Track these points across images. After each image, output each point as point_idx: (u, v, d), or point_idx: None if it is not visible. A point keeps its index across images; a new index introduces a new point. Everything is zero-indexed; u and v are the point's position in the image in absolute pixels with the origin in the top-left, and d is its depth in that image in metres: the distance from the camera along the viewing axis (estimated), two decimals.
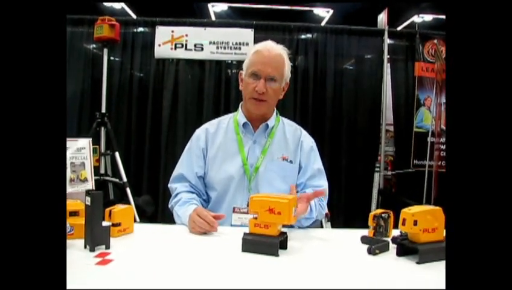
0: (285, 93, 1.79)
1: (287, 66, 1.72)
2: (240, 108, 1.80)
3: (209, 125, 1.82)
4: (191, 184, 1.73)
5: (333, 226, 1.85)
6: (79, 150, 1.67)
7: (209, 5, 6.98)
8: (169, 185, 1.79)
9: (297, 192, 1.73)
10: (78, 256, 1.11)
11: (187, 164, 1.76)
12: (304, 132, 1.85)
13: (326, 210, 1.77)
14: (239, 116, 1.77)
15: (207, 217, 1.43)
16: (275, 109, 1.80)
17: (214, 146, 1.74)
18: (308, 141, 1.82)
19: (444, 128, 3.83)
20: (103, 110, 3.45)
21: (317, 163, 1.79)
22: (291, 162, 1.73)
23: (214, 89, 3.99)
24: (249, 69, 1.68)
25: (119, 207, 1.36)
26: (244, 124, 1.74)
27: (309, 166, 1.76)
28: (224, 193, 1.69)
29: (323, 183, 1.78)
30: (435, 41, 4.01)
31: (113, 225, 1.29)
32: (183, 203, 1.64)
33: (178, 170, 1.78)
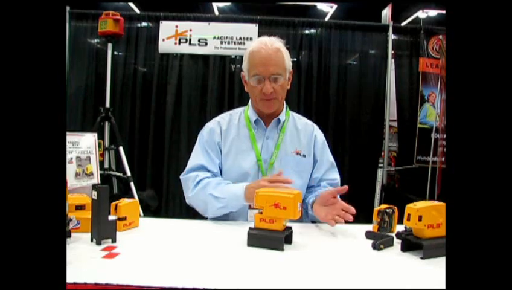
0: (291, 82, 1.76)
1: (287, 56, 1.68)
2: (249, 104, 1.79)
3: (221, 120, 1.79)
4: (214, 174, 1.68)
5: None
6: (85, 145, 1.68)
7: None
8: (183, 176, 1.69)
9: (311, 187, 1.74)
10: (84, 249, 1.12)
11: (206, 155, 1.70)
12: (316, 127, 1.84)
13: None
14: (249, 112, 1.75)
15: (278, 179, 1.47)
16: (285, 103, 1.79)
17: (227, 142, 1.72)
18: (321, 135, 1.82)
19: None
20: (107, 105, 3.46)
21: (330, 157, 1.80)
22: (304, 156, 1.73)
23: (217, 83, 4.00)
24: (251, 72, 1.65)
25: (125, 201, 1.36)
26: (256, 121, 1.73)
27: (324, 160, 1.77)
28: None
29: (336, 176, 1.79)
30: (440, 37, 3.99)
31: (119, 218, 1.30)
32: (217, 184, 1.58)
33: (195, 161, 1.70)
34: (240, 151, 1.70)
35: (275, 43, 1.66)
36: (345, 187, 1.49)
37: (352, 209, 1.42)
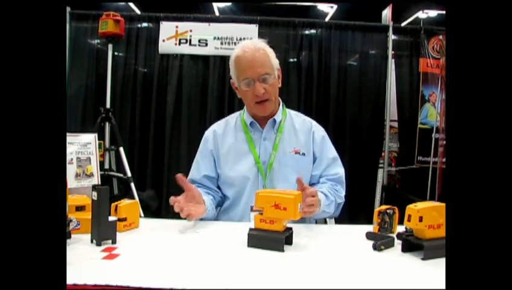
0: (281, 80, 1.75)
1: (272, 55, 1.68)
2: (245, 108, 1.79)
3: (217, 127, 1.81)
4: (198, 184, 1.74)
5: (337, 222, 1.85)
6: (85, 145, 1.68)
7: None
8: None
9: (313, 184, 1.71)
10: (84, 251, 1.12)
11: (195, 168, 1.78)
12: (314, 122, 1.82)
13: (343, 198, 1.71)
14: (245, 116, 1.76)
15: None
16: (281, 102, 1.79)
17: (225, 146, 1.74)
18: (319, 131, 1.79)
19: None
20: (107, 105, 3.45)
21: (330, 152, 1.77)
22: (303, 154, 1.72)
23: (218, 84, 4.00)
24: (240, 77, 1.65)
25: (125, 202, 1.36)
26: (252, 123, 1.74)
27: (323, 156, 1.74)
28: (240, 192, 1.69)
29: (338, 170, 1.75)
30: (440, 37, 3.99)
31: (119, 219, 1.30)
32: None
33: (189, 176, 1.78)
34: (238, 155, 1.71)
35: (257, 44, 1.66)
36: (299, 177, 1.43)
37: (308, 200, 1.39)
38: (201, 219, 1.54)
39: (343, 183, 1.76)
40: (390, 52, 4.02)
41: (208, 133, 1.81)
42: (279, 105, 1.77)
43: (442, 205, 1.16)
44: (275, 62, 1.69)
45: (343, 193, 1.74)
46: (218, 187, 1.77)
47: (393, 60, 4.07)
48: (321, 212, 1.56)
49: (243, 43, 1.70)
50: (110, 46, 3.45)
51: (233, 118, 1.82)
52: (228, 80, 3.95)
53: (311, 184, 1.73)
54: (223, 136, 1.76)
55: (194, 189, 1.52)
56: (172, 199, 1.41)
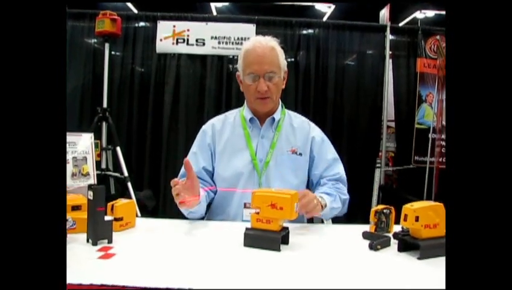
0: (286, 81, 1.76)
1: (281, 55, 1.69)
2: (245, 104, 1.79)
3: (216, 121, 1.81)
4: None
5: (334, 221, 1.85)
6: (81, 145, 1.68)
7: None
8: None
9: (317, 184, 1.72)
10: (80, 250, 1.11)
11: (193, 160, 1.71)
12: (312, 125, 1.83)
13: (346, 195, 1.72)
14: (245, 111, 1.76)
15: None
16: (280, 101, 1.79)
17: (222, 141, 1.74)
18: (318, 133, 1.79)
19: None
20: (104, 105, 3.45)
21: (331, 153, 1.79)
22: (300, 154, 1.72)
23: (215, 83, 4.00)
24: (246, 71, 1.65)
25: (121, 201, 1.36)
26: (251, 119, 1.74)
27: (323, 157, 1.75)
28: (234, 188, 1.68)
29: (337, 170, 1.76)
30: (438, 37, 4.00)
31: (116, 219, 1.29)
32: None
33: (182, 167, 1.76)
34: (234, 150, 1.71)
35: (269, 42, 1.67)
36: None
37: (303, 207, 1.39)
38: (196, 218, 1.54)
39: (345, 182, 1.78)
40: (388, 52, 4.02)
41: (206, 127, 1.80)
42: (278, 105, 1.78)
43: (438, 205, 1.17)
44: (283, 63, 1.70)
45: (346, 190, 1.75)
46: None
47: (390, 60, 4.08)
48: (330, 209, 1.57)
49: (256, 37, 1.71)
50: (106, 45, 3.45)
51: (232, 114, 1.82)
52: (225, 79, 3.97)
53: (313, 184, 1.76)
54: (221, 131, 1.76)
55: (196, 180, 1.45)
56: (174, 180, 1.37)
